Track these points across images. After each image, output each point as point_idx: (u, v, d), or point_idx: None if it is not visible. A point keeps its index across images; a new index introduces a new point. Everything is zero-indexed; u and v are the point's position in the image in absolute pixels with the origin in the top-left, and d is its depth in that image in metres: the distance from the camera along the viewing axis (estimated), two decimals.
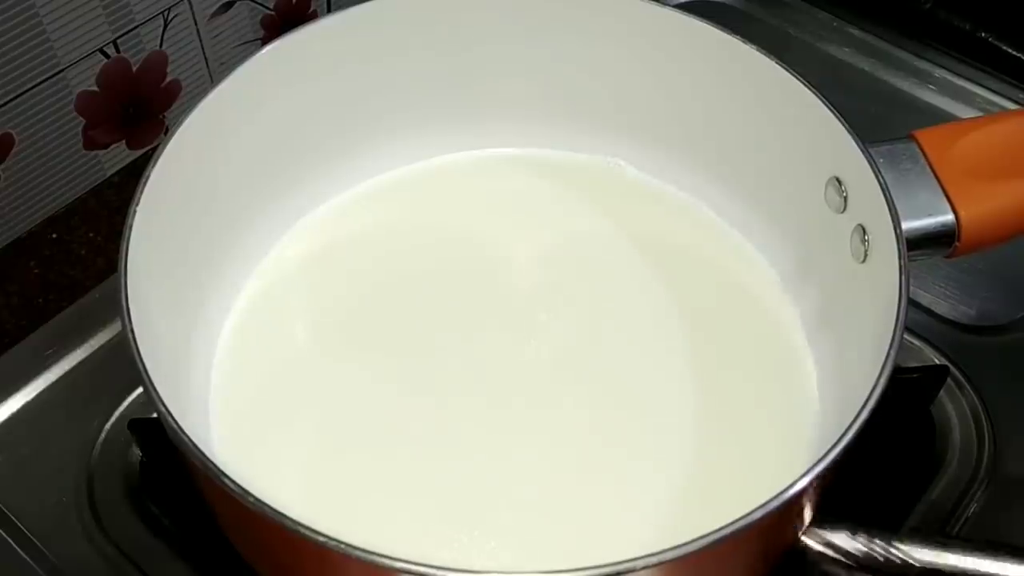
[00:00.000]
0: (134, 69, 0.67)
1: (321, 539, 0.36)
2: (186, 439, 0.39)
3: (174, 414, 0.40)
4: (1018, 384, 0.60)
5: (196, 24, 0.69)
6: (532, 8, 0.57)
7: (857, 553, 0.44)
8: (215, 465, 0.38)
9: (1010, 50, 0.75)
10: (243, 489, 0.37)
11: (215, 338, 0.55)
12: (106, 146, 0.69)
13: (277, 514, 0.37)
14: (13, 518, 0.54)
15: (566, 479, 0.50)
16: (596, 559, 0.36)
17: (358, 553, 0.36)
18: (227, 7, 0.70)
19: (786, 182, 0.56)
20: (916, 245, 0.48)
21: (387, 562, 0.36)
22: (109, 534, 0.54)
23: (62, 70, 0.63)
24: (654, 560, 0.36)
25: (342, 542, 0.36)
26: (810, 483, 0.39)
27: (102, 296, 0.63)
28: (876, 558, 0.44)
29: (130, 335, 0.42)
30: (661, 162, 0.61)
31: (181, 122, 0.49)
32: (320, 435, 0.52)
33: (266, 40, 0.53)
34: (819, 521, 0.44)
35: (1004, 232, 0.51)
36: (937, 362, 0.60)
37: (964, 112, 0.75)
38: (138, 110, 0.69)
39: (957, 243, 0.49)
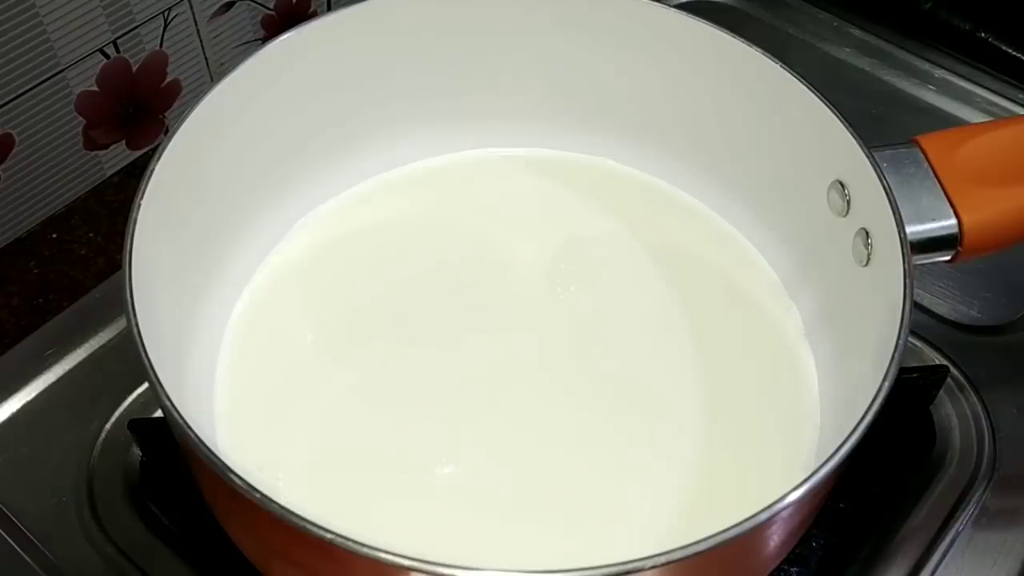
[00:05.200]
0: (134, 69, 0.67)
1: (328, 536, 0.36)
2: (192, 435, 0.39)
3: (179, 409, 0.40)
4: (1018, 384, 0.60)
5: (196, 24, 0.69)
6: (533, 8, 0.57)
7: None
8: (221, 461, 0.38)
9: (1010, 50, 0.76)
10: (249, 485, 0.37)
11: (217, 336, 0.55)
12: (106, 146, 0.69)
13: (284, 511, 0.37)
14: (13, 518, 0.54)
15: (569, 477, 0.50)
16: (603, 559, 0.36)
17: (365, 551, 0.36)
18: (227, 7, 0.70)
19: (788, 184, 0.56)
20: (918, 250, 0.48)
21: (393, 559, 0.36)
22: (109, 534, 0.54)
23: (62, 70, 0.63)
24: (662, 560, 0.36)
25: (349, 539, 0.36)
26: (814, 487, 0.39)
27: (102, 296, 0.63)
28: None
29: (135, 329, 0.41)
30: (663, 163, 0.61)
31: (181, 122, 0.49)
32: (324, 433, 0.52)
33: (266, 40, 0.53)
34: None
35: (1007, 238, 0.50)
36: (937, 362, 0.61)
37: (964, 112, 0.76)
38: (138, 110, 0.69)
39: (959, 248, 0.49)
